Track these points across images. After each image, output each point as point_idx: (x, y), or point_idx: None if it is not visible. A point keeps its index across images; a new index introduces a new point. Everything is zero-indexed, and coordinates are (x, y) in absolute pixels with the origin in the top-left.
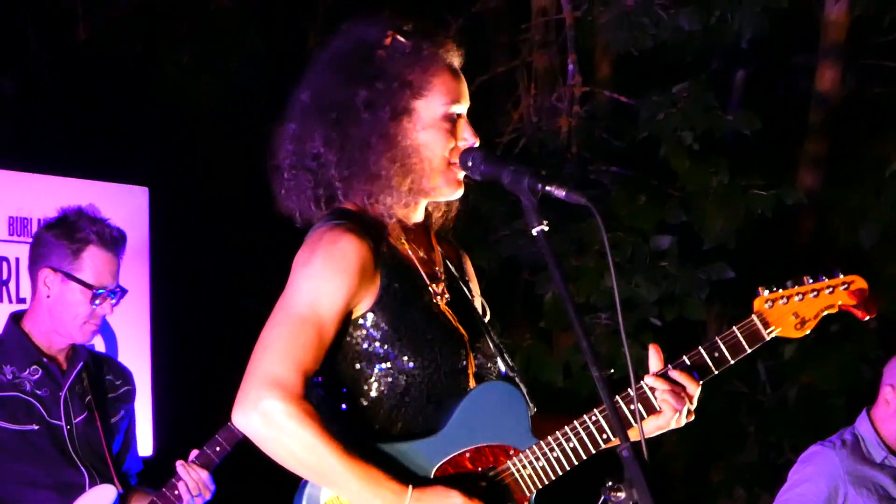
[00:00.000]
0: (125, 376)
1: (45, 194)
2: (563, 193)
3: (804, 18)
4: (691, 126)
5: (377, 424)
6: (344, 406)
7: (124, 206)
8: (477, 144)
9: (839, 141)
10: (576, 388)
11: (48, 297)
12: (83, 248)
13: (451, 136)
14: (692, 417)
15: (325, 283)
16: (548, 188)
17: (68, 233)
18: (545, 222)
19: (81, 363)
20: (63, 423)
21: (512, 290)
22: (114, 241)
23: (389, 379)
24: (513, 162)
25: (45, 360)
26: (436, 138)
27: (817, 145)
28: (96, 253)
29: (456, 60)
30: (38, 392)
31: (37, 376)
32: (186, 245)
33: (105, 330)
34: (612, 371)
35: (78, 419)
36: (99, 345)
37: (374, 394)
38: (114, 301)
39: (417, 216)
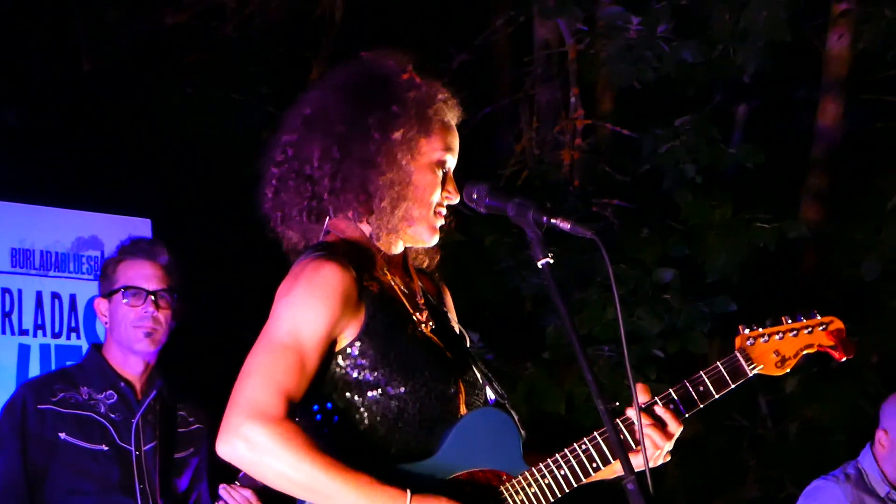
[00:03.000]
0: (199, 414)
1: (48, 226)
2: (568, 226)
3: (807, 53)
4: (694, 159)
5: (372, 451)
6: (337, 436)
7: (130, 235)
8: (456, 202)
9: (841, 175)
10: (579, 419)
11: (106, 323)
12: (116, 266)
13: (439, 185)
14: (668, 458)
15: (306, 311)
16: (553, 221)
17: (105, 264)
18: (550, 255)
19: (155, 392)
20: (132, 448)
21: (515, 321)
22: (147, 248)
23: (381, 405)
24: (517, 195)
25: (121, 384)
26: (428, 181)
27: (819, 179)
28: (128, 263)
29: (455, 117)
30: (112, 416)
31: (112, 400)
32: (189, 278)
33: None
34: (618, 403)
35: (147, 447)
36: None
37: (367, 421)
38: (160, 303)
39: (398, 247)
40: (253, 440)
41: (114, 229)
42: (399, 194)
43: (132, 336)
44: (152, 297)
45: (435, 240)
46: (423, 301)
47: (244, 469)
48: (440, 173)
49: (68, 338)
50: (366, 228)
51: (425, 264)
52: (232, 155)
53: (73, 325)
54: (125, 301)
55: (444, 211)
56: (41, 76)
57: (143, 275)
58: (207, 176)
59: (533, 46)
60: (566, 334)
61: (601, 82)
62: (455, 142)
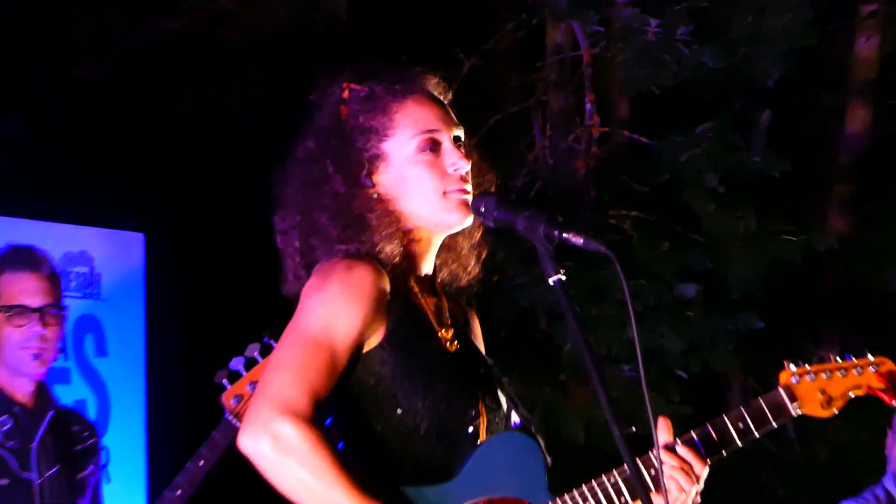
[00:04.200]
0: (91, 428)
1: (34, 240)
2: (581, 241)
3: (833, 55)
4: (715, 168)
5: (384, 464)
6: (349, 444)
7: (119, 253)
8: (468, 167)
9: (870, 183)
10: (598, 443)
11: None
12: None
13: (435, 166)
14: (698, 501)
15: (340, 309)
16: (564, 235)
17: None
18: (562, 271)
19: (52, 412)
20: (35, 476)
21: (529, 341)
22: (28, 258)
23: (397, 417)
24: (527, 207)
25: (15, 408)
26: (416, 173)
27: (847, 188)
28: (8, 277)
29: (429, 86)
30: (9, 444)
31: (7, 427)
32: (184, 294)
33: (95, 381)
34: (634, 429)
35: (50, 472)
36: (90, 397)
37: (380, 430)
38: (47, 320)
39: (426, 265)
40: (282, 439)
41: (105, 244)
42: (386, 214)
43: (20, 358)
44: (38, 315)
45: (467, 219)
46: (449, 321)
47: (262, 466)
48: (427, 156)
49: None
50: (379, 254)
51: (463, 278)
52: (232, 165)
53: (60, 344)
54: (8, 321)
55: (457, 186)
56: (28, 86)
57: (27, 289)
58: (205, 188)
59: (545, 51)
60: (581, 354)
61: (617, 88)
62: (431, 112)
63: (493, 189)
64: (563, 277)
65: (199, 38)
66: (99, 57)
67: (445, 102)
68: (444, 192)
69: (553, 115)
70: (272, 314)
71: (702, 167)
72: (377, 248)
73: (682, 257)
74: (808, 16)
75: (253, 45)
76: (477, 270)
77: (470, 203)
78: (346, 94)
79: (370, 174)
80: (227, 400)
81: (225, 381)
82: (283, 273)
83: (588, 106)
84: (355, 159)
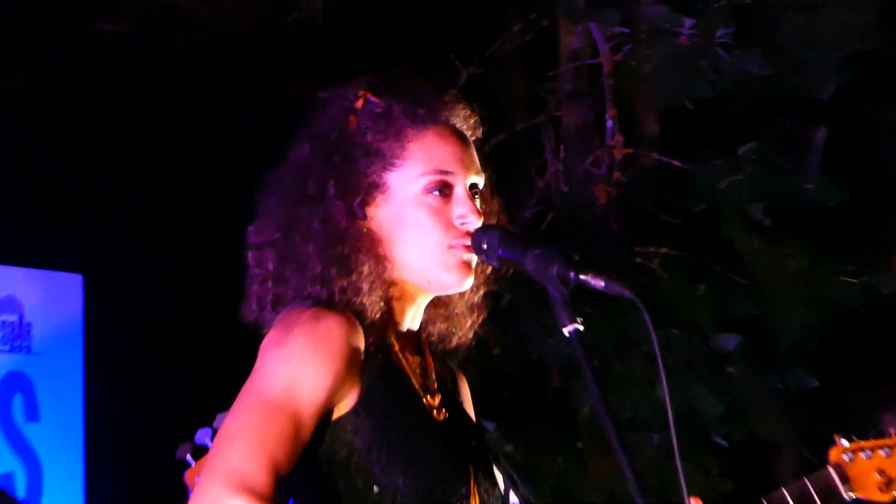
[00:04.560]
0: None
1: None
2: (602, 283)
3: None
4: (760, 196)
5: None
6: None
7: (53, 298)
8: (478, 225)
9: None
10: None
11: None
12: None
13: (440, 214)
14: None
15: (305, 367)
16: (582, 277)
17: None
18: (579, 319)
19: None
20: None
21: (539, 401)
22: None
23: (373, 496)
24: (538, 244)
25: None
26: (417, 217)
27: None
28: None
29: (456, 120)
30: None
31: None
32: (129, 347)
33: (25, 451)
34: None
35: None
36: (18, 469)
37: None
38: None
39: (410, 321)
40: None
41: (35, 287)
42: (373, 257)
43: None
44: None
45: (462, 280)
46: (436, 384)
47: None
48: (433, 201)
49: None
50: (357, 302)
51: (452, 340)
52: (186, 193)
53: None
54: None
55: (462, 242)
56: None
57: None
58: (154, 221)
59: (558, 57)
60: (601, 418)
61: (643, 101)
62: (451, 151)
63: (497, 221)
64: (581, 327)
65: (148, 43)
66: (28, 66)
67: (471, 142)
68: (449, 247)
69: (568, 134)
70: (234, 368)
71: (744, 195)
72: (356, 298)
73: (721, 302)
74: (871, 16)
75: (213, 50)
76: (470, 336)
77: (473, 263)
78: (359, 103)
79: (364, 204)
80: (192, 479)
81: (189, 456)
82: (245, 294)
83: (609, 123)
84: (353, 182)
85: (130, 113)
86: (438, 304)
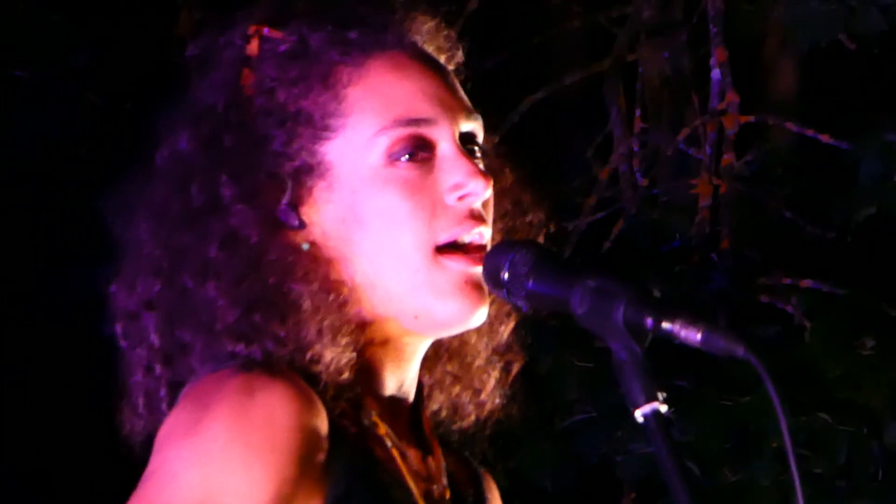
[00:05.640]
0: None
1: None
2: (698, 336)
3: None
4: None
5: None
6: None
7: None
8: (487, 193)
9: None
10: None
11: None
12: None
13: (422, 191)
14: None
15: (231, 474)
16: (665, 325)
17: None
18: (661, 395)
19: None
20: None
21: None
22: None
23: None
24: (594, 271)
25: None
26: (382, 205)
27: None
28: None
29: (417, 38)
30: None
31: None
32: None
33: None
34: None
35: None
36: None
37: None
38: None
39: (399, 383)
40: None
41: None
42: (320, 288)
43: None
44: None
45: (471, 309)
46: (445, 488)
47: None
48: (404, 168)
49: None
50: (307, 362)
51: (470, 413)
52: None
53: None
54: None
55: (463, 233)
56: None
57: None
58: None
59: None
60: None
61: (774, 38)
62: (425, 83)
63: (532, 236)
64: (664, 407)
65: None
66: None
67: (449, 70)
68: (435, 249)
69: (649, 91)
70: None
71: None
72: (306, 353)
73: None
74: None
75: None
76: (497, 403)
77: (482, 271)
78: (253, 45)
79: (295, 204)
80: None
81: None
82: (122, 398)
83: (716, 73)
84: (266, 172)
85: None
86: (443, 353)
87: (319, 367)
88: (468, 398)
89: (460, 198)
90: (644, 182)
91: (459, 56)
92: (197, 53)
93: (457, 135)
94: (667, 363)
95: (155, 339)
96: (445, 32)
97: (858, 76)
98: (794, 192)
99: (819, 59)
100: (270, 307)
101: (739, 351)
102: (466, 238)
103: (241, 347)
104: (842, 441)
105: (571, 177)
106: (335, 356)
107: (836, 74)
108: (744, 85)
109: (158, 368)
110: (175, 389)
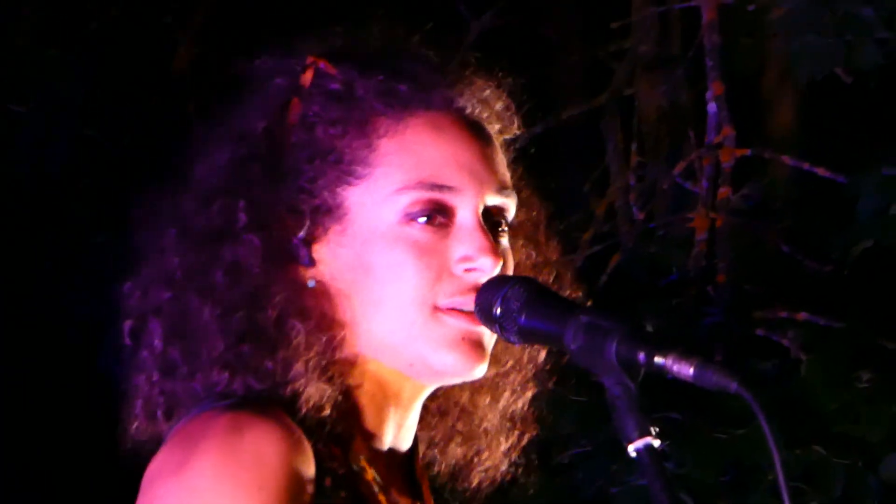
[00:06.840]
0: None
1: None
2: (691, 370)
3: None
4: None
5: None
6: None
7: None
8: (495, 270)
9: None
10: None
11: None
12: None
13: (432, 254)
14: None
15: None
16: (658, 360)
17: None
18: (654, 430)
19: None
20: None
21: None
22: None
23: None
24: (586, 307)
25: None
26: (391, 261)
27: None
28: None
29: (468, 103)
30: None
31: None
32: None
33: None
34: None
35: None
36: None
37: None
38: None
39: (395, 432)
40: None
41: None
42: (320, 328)
43: None
44: None
45: (469, 364)
46: None
47: None
48: (418, 230)
49: None
50: (300, 400)
51: (473, 468)
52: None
53: None
54: None
55: (463, 301)
56: None
57: None
58: None
59: None
60: None
61: (771, 71)
62: (459, 148)
63: (553, 279)
64: (657, 442)
65: None
66: None
67: (493, 140)
68: (434, 308)
69: (645, 124)
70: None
71: None
72: (289, 387)
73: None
74: None
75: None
76: (503, 470)
77: (484, 339)
78: (307, 76)
79: (309, 240)
80: None
81: None
82: (125, 401)
83: (712, 106)
84: (287, 205)
85: None
86: (452, 409)
87: (300, 402)
88: (468, 454)
89: (467, 270)
90: (641, 216)
91: (514, 127)
92: (253, 72)
93: (480, 207)
94: (661, 395)
95: (157, 344)
96: (503, 101)
97: (856, 110)
98: (792, 225)
99: (817, 93)
100: (263, 339)
101: (732, 386)
102: (466, 309)
103: (224, 377)
104: (838, 474)
105: (568, 211)
106: (317, 391)
107: (834, 108)
108: (743, 118)
109: (156, 376)
110: (167, 402)
